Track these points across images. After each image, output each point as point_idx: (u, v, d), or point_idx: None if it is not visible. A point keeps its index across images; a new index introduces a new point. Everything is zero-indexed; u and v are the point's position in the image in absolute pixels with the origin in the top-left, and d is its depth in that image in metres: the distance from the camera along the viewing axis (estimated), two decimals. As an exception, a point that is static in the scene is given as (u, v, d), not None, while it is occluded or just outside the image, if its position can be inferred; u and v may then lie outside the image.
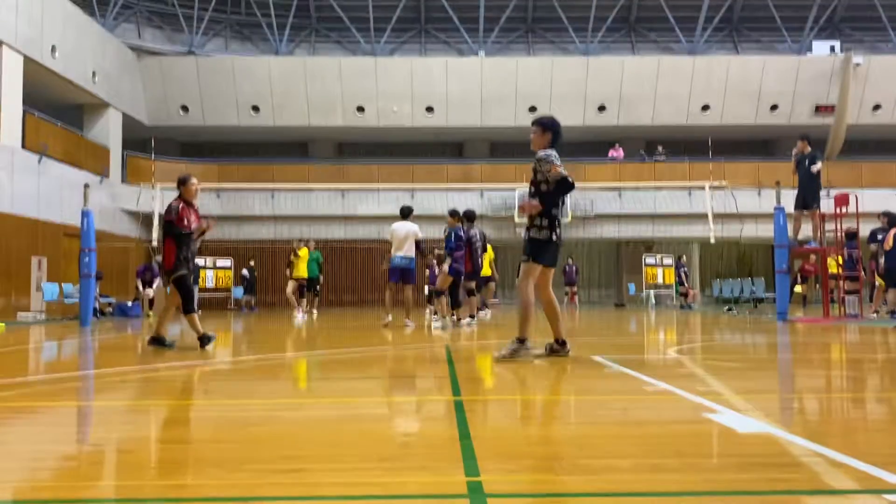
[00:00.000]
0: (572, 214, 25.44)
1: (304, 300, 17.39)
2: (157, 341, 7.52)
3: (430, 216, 21.13)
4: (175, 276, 7.63)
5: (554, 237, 5.97)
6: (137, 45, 26.89)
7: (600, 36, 29.59)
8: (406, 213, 11.88)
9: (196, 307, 7.69)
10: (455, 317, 11.94)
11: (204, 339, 7.51)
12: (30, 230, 18.66)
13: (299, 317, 15.94)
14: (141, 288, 19.98)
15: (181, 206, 7.69)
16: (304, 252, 17.16)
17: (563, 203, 6.01)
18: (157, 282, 19.78)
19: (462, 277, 11.95)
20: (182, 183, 7.89)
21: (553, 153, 6.03)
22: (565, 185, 5.87)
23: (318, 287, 18.15)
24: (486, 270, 13.99)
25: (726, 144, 29.37)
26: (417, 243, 11.59)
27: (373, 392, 4.71)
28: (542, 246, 5.95)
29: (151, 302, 19.84)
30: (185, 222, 7.66)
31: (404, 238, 11.55)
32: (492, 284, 16.02)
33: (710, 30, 29.49)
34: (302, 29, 30.00)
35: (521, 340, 5.97)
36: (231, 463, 2.52)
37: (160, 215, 7.51)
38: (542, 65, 27.70)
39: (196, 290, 22.94)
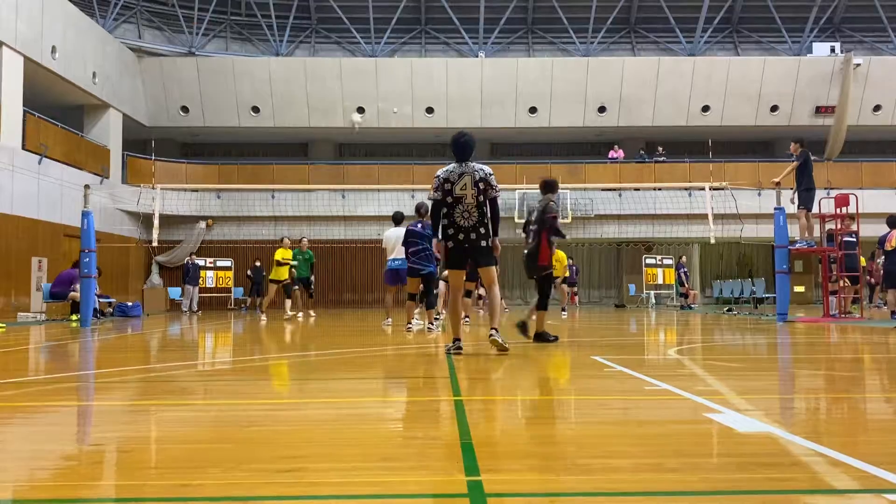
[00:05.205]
0: (572, 215, 25.48)
1: (290, 301, 16.94)
2: (541, 337, 7.78)
3: (430, 217, 21.10)
4: (547, 273, 7.96)
5: (449, 244, 6.66)
6: (137, 46, 26.92)
7: (600, 37, 29.62)
8: (398, 220, 11.96)
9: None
10: (428, 320, 10.94)
11: (527, 330, 7.82)
12: (30, 231, 18.66)
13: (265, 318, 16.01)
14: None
15: None
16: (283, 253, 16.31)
17: (449, 211, 6.58)
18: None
19: (430, 276, 11.00)
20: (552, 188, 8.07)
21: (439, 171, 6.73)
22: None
23: (311, 288, 17.46)
24: None
25: (726, 145, 29.41)
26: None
27: (373, 392, 4.71)
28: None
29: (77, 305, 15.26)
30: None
31: (395, 243, 11.67)
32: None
33: (710, 31, 29.53)
34: (302, 30, 30.02)
35: (454, 339, 6.73)
36: (231, 463, 2.51)
37: (539, 212, 7.73)
38: (542, 65, 27.71)
39: (196, 290, 23.11)
